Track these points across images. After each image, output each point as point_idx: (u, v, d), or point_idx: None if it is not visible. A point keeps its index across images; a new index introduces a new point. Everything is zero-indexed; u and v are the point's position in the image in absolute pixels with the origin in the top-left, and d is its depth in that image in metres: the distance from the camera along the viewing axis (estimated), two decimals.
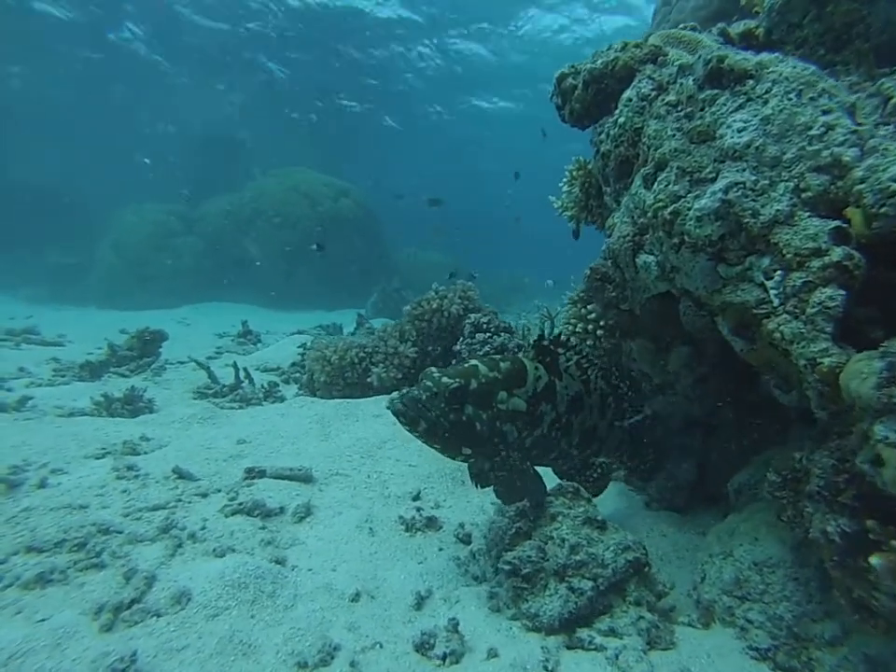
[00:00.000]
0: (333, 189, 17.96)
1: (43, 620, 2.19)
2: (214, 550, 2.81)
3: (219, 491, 3.49)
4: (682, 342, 3.25)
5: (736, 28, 2.99)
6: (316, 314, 15.47)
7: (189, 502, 3.33)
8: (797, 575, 2.39)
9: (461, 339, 5.12)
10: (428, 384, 2.47)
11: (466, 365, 2.64)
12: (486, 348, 4.90)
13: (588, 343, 3.42)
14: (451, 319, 5.30)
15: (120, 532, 2.90)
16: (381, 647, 2.23)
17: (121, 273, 16.50)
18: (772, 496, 2.32)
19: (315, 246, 12.37)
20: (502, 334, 5.11)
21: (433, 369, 2.62)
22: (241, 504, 3.24)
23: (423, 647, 2.23)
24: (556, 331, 6.21)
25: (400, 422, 2.46)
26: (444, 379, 2.48)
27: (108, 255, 16.93)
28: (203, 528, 3.01)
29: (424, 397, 2.43)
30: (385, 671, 2.10)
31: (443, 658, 2.17)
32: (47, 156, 26.57)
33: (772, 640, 2.34)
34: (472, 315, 5.20)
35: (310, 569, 2.77)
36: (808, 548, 2.34)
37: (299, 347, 7.55)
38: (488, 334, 5.03)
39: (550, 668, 2.15)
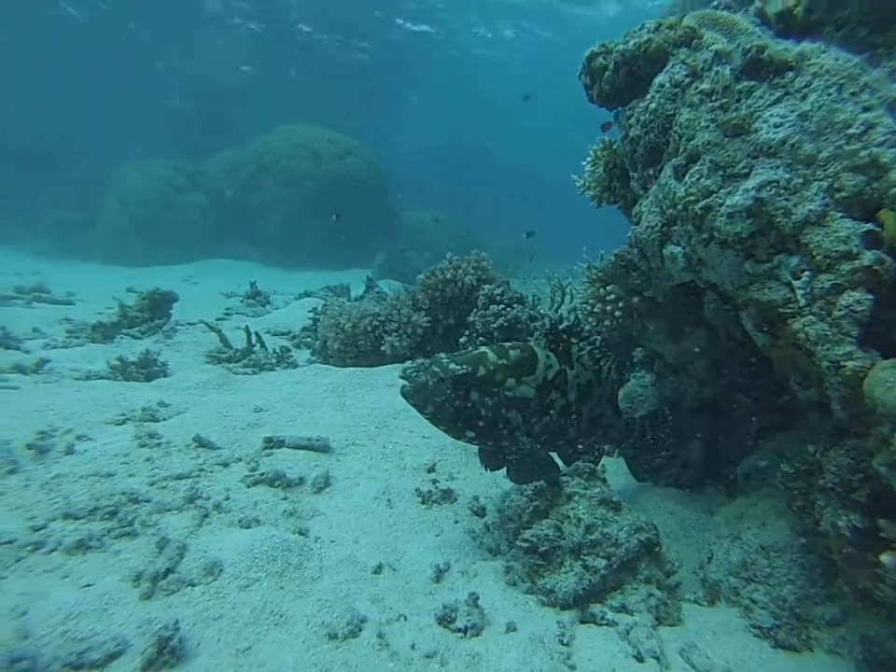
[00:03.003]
0: (340, 147, 17.61)
1: (88, 585, 2.31)
2: (239, 521, 2.92)
3: (240, 460, 3.58)
4: (699, 326, 3.29)
5: (774, 7, 2.89)
6: (322, 273, 15.43)
7: (212, 472, 3.42)
8: (802, 560, 2.50)
9: (475, 310, 5.14)
10: (436, 369, 2.57)
11: (475, 352, 2.73)
12: (500, 320, 4.93)
13: (606, 323, 3.46)
14: (464, 290, 5.31)
15: (148, 501, 3.00)
16: (405, 619, 2.35)
17: (126, 229, 16.35)
18: (784, 486, 2.40)
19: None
20: (515, 306, 5.12)
21: (443, 354, 2.73)
22: (262, 475, 3.34)
23: (445, 620, 2.35)
24: (568, 304, 6.23)
25: (409, 404, 2.60)
26: (452, 365, 2.58)
27: (113, 211, 16.73)
28: (227, 499, 3.11)
29: (431, 382, 2.54)
30: (411, 643, 2.22)
31: (465, 631, 2.30)
32: (48, 107, 25.93)
33: (774, 620, 2.46)
34: (486, 287, 5.21)
35: (332, 541, 2.88)
36: (815, 536, 2.44)
37: (309, 311, 7.58)
38: (502, 306, 5.05)
39: (565, 642, 2.28)
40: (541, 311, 5.87)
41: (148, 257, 15.25)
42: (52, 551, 2.51)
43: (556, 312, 6.22)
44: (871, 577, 1.96)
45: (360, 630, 2.26)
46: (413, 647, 2.21)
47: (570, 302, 6.60)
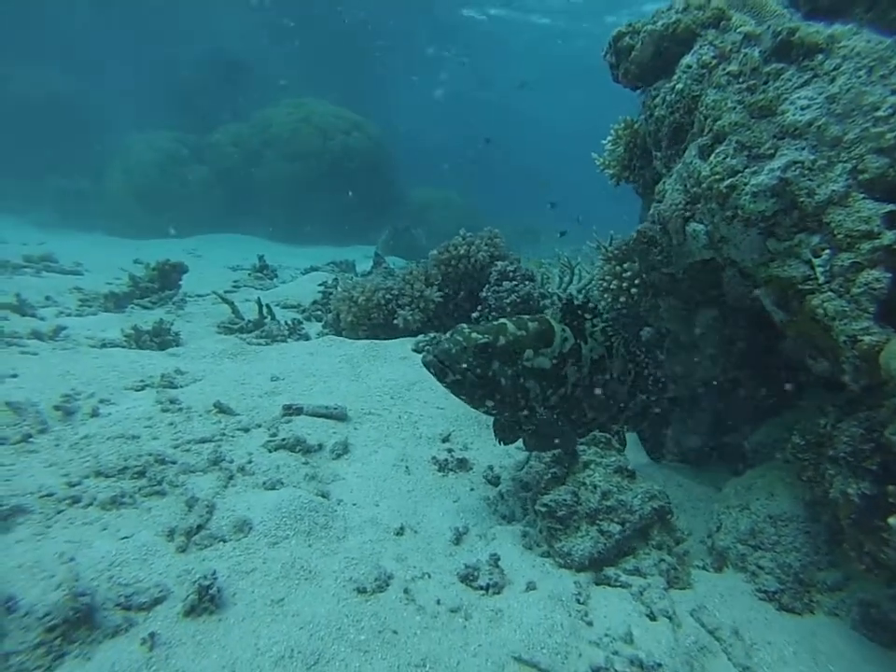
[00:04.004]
0: (346, 122, 17.46)
1: (126, 537, 2.41)
2: (264, 483, 3.01)
3: (260, 426, 3.67)
4: (712, 304, 3.37)
5: None
6: (325, 249, 15.43)
7: (233, 436, 3.51)
8: (808, 529, 2.62)
9: (487, 286, 5.20)
10: (459, 338, 2.63)
11: (495, 323, 2.79)
12: (513, 296, 5.00)
13: (621, 300, 3.53)
14: (477, 266, 5.37)
15: (174, 462, 3.09)
16: (429, 577, 2.46)
17: (130, 201, 16.30)
18: (794, 456, 2.50)
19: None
20: (527, 283, 5.19)
21: (464, 325, 2.77)
22: (283, 440, 3.43)
23: (467, 578, 2.46)
24: (578, 282, 6.30)
25: (431, 373, 2.64)
26: (474, 335, 2.64)
27: (117, 181, 16.67)
28: (250, 462, 3.21)
29: (454, 350, 2.60)
30: (436, 598, 2.33)
31: (486, 588, 2.41)
32: (51, 75, 25.46)
33: (779, 584, 2.59)
34: (499, 263, 5.26)
35: (355, 504, 2.98)
36: (821, 506, 2.55)
37: (319, 285, 7.64)
38: (514, 282, 5.12)
39: (582, 601, 2.39)
40: (549, 290, 5.94)
41: (152, 229, 15.21)
42: (89, 505, 2.61)
43: (565, 291, 6.29)
44: (876, 541, 2.07)
45: (387, 586, 2.37)
46: (438, 602, 2.31)
47: (579, 282, 6.67)
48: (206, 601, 2.08)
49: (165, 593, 2.12)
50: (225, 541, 2.52)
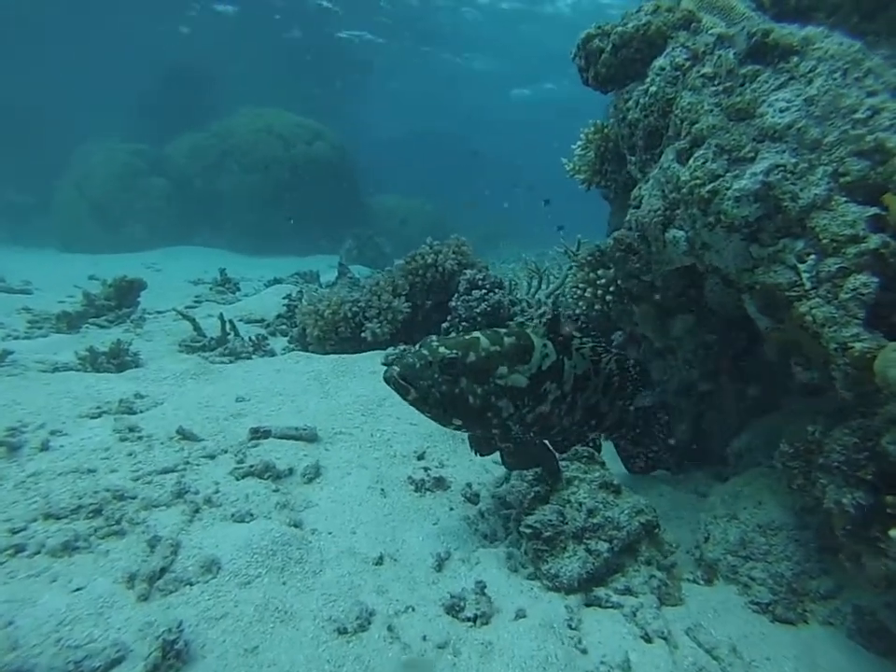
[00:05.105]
0: (308, 131, 17.19)
1: (79, 589, 2.19)
2: (232, 515, 2.82)
3: (226, 452, 3.47)
4: (689, 310, 3.32)
5: None
6: (288, 259, 15.14)
7: (198, 464, 3.31)
8: (798, 537, 2.57)
9: (456, 295, 5.09)
10: (425, 352, 2.46)
11: (468, 337, 2.61)
12: (483, 305, 4.89)
13: (596, 307, 3.46)
14: (445, 275, 5.26)
15: (134, 497, 2.87)
16: (413, 610, 2.32)
17: (85, 215, 15.68)
18: (783, 465, 2.44)
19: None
20: (497, 291, 5.10)
21: (433, 337, 2.61)
22: (251, 466, 3.23)
23: (453, 609, 2.32)
24: (545, 290, 6.24)
25: (392, 388, 2.47)
26: (441, 349, 2.47)
27: (70, 195, 16.01)
28: (217, 492, 3.01)
29: (418, 365, 2.43)
30: (422, 634, 2.18)
31: (474, 619, 2.27)
32: (3, 87, 24.31)
33: (772, 595, 2.53)
34: (468, 272, 5.16)
35: (330, 533, 2.82)
36: (810, 513, 2.50)
37: (283, 298, 7.41)
38: (484, 291, 5.02)
39: (574, 626, 2.28)
40: (518, 296, 5.85)
41: (107, 244, 14.67)
42: (36, 553, 2.37)
43: (534, 297, 6.23)
44: (874, 552, 2.02)
45: (369, 623, 2.22)
46: (424, 638, 2.17)
47: (547, 287, 6.61)
48: (171, 658, 1.89)
49: (124, 652, 1.91)
50: (192, 585, 2.33)
